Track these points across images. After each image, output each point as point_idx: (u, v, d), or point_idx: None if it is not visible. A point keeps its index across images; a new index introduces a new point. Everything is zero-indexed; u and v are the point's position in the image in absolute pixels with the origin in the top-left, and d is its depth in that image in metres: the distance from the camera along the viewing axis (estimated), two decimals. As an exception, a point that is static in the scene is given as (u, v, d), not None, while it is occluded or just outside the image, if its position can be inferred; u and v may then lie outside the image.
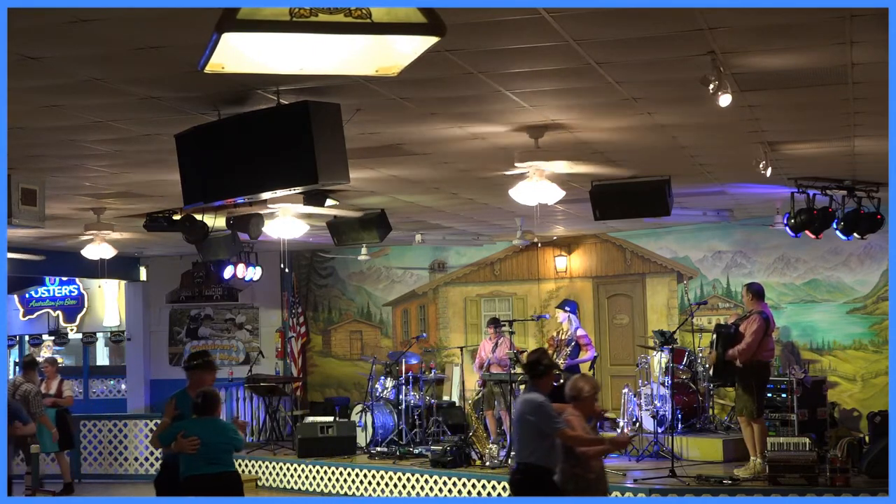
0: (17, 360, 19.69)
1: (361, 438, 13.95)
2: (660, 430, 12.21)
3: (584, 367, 12.80)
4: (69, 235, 12.72)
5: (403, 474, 12.47)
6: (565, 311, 12.51)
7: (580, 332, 12.45)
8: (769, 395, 11.30)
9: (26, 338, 19.69)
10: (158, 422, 7.92)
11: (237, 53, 4.10)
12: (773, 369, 11.38)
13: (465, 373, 15.02)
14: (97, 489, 14.77)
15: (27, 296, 19.33)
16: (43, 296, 19.32)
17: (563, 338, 12.25)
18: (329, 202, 10.08)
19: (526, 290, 15.76)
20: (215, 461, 7.35)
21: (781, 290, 13.57)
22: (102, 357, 20.38)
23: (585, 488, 7.01)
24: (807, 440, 10.56)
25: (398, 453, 13.15)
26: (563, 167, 8.61)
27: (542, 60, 5.61)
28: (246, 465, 14.35)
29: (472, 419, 13.20)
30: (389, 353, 15.42)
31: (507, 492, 8.02)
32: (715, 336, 10.87)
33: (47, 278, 18.75)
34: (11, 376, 15.04)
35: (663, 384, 12.38)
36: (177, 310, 17.50)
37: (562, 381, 11.92)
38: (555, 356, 12.29)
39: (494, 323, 13.52)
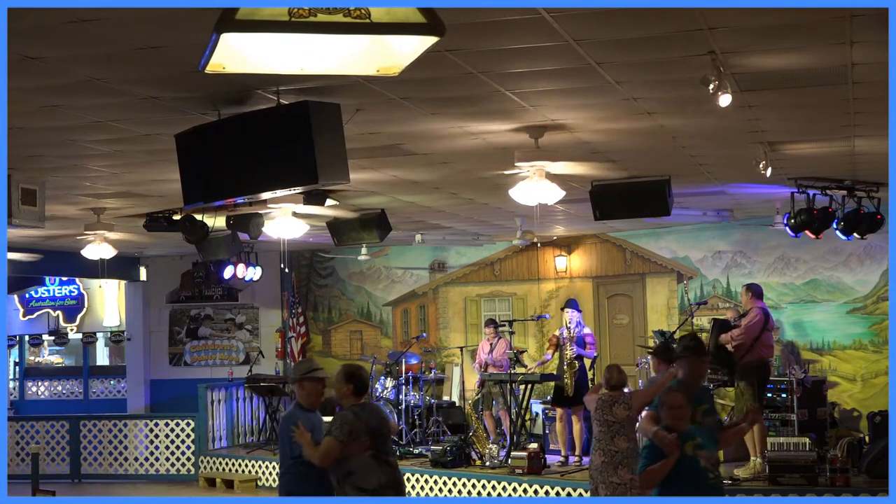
0: (16, 361, 19.73)
1: (361, 438, 13.92)
2: (660, 431, 12.18)
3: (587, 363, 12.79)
4: (69, 235, 12.71)
5: (403, 474, 12.44)
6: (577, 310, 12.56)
7: (586, 331, 12.45)
8: (769, 395, 11.30)
9: (26, 338, 19.69)
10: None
11: (237, 53, 4.10)
12: (773, 369, 11.37)
13: (465, 373, 15.01)
14: (97, 489, 14.78)
15: (27, 296, 19.32)
16: (43, 296, 19.31)
17: (568, 335, 12.22)
18: (329, 202, 10.08)
19: (526, 290, 15.75)
20: None
21: (781, 290, 13.56)
22: (102, 357, 20.37)
23: None
24: (807, 440, 10.56)
25: (398, 453, 13.14)
26: (563, 167, 8.61)
27: (542, 60, 5.61)
28: (246, 465, 14.36)
29: (472, 419, 13.18)
30: (389, 353, 15.42)
31: None
32: (711, 326, 10.95)
33: (47, 278, 18.74)
34: None
35: (663, 384, 12.36)
36: (177, 310, 17.50)
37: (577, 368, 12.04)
38: (562, 352, 12.27)
39: (492, 324, 13.51)
